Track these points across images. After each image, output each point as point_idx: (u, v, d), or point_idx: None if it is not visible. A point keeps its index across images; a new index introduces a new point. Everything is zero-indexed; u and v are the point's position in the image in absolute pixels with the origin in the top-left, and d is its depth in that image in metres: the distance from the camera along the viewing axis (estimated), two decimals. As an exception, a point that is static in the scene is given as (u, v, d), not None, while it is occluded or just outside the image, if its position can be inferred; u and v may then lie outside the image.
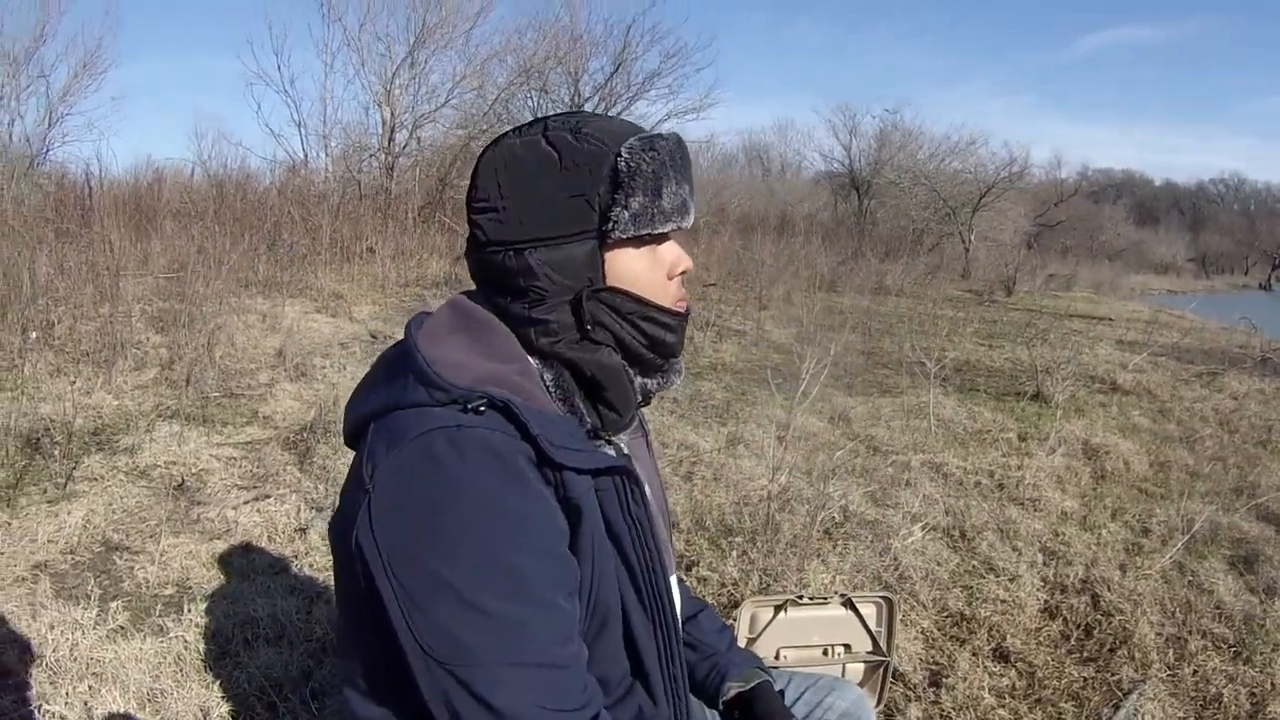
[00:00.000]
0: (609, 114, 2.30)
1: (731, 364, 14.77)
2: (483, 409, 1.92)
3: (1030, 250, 47.96)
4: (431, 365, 2.00)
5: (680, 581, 2.76)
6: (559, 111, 2.24)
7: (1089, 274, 47.15)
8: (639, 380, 2.25)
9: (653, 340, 2.19)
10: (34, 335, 10.55)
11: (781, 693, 2.73)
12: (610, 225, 2.08)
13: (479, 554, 1.84)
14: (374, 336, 13.87)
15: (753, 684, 2.62)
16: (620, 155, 2.07)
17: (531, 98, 33.87)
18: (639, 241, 2.15)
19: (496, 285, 2.15)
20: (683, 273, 2.26)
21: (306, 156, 28.57)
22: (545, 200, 2.07)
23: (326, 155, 28.51)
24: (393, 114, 28.48)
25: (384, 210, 23.25)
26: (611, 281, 2.13)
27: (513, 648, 1.84)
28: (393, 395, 2.04)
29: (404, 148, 28.90)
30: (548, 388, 2.12)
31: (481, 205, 2.14)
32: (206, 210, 19.02)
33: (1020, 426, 11.52)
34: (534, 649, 1.86)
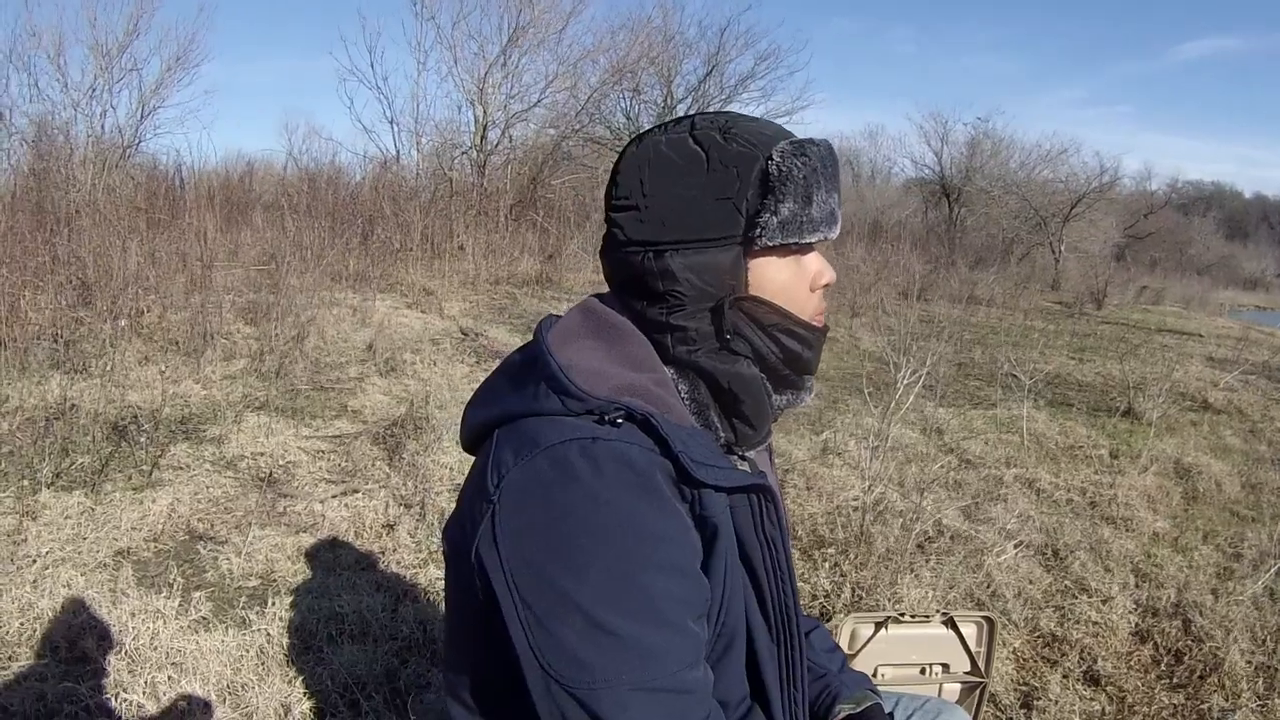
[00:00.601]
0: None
1: (824, 371, 14.51)
2: (620, 421, 1.85)
3: (1120, 262, 47.67)
4: (567, 372, 1.92)
5: None
6: (705, 111, 2.17)
7: (1178, 288, 46.72)
8: (772, 396, 2.14)
9: (789, 355, 2.09)
10: (124, 323, 10.60)
11: (891, 715, 2.64)
12: (757, 232, 1.99)
13: (611, 572, 1.76)
14: (464, 333, 13.88)
15: (863, 707, 2.52)
16: (771, 159, 1.98)
17: (624, 98, 33.96)
18: (784, 251, 2.05)
19: (634, 287, 2.06)
20: (825, 285, 2.15)
21: (398, 153, 28.71)
22: (690, 201, 1.99)
23: (418, 152, 28.61)
24: (485, 112, 28.52)
25: (476, 207, 23.26)
26: (753, 291, 2.03)
27: (640, 671, 1.75)
28: (523, 402, 1.96)
29: (496, 146, 28.93)
30: (684, 399, 2.04)
31: (622, 203, 2.04)
32: (299, 203, 19.13)
33: (1112, 443, 11.37)
34: (661, 673, 1.77)
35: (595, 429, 1.83)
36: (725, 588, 1.95)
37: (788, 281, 2.07)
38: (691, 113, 2.17)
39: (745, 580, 2.02)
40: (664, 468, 1.84)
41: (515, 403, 1.97)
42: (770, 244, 2.00)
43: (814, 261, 2.12)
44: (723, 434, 2.08)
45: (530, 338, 2.12)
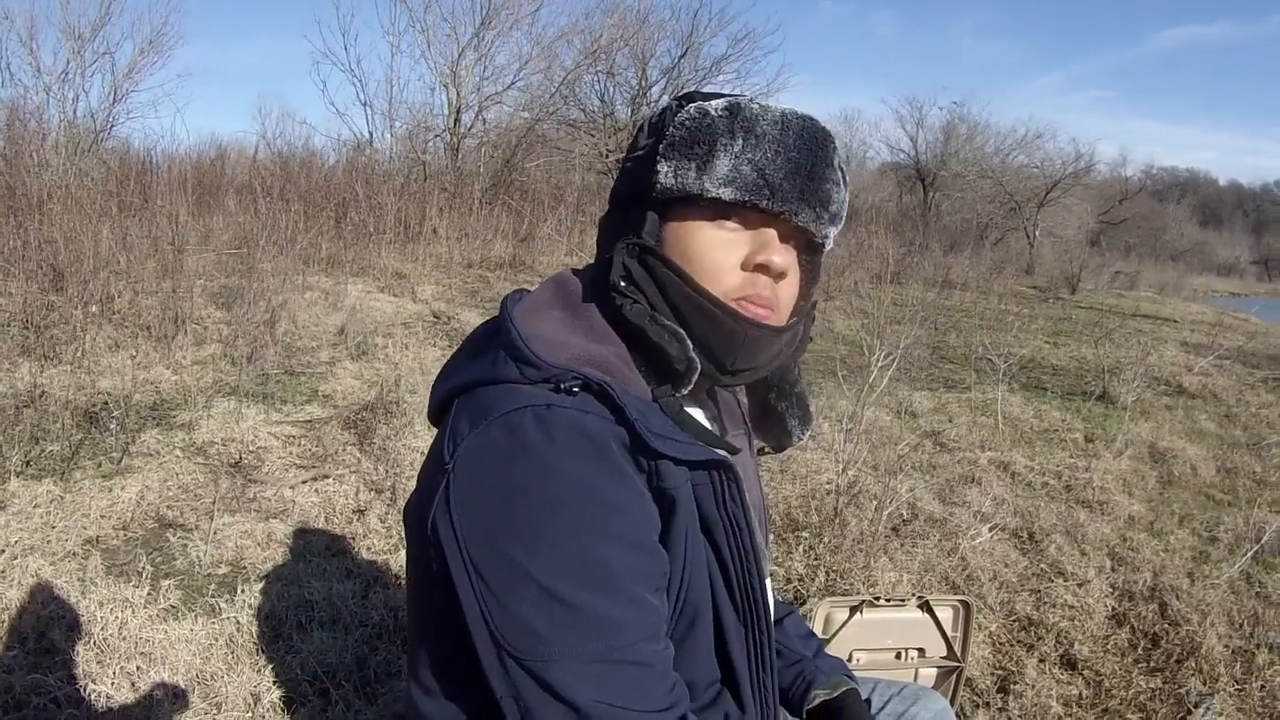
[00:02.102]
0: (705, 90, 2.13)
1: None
2: (576, 389, 1.82)
3: (1094, 247, 47.93)
4: (527, 341, 1.89)
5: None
6: (717, 93, 2.07)
7: (1152, 274, 47.00)
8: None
9: (699, 336, 1.98)
10: (94, 308, 10.55)
11: (867, 701, 2.62)
12: (655, 179, 1.97)
13: (565, 543, 1.73)
14: (436, 317, 13.85)
15: (839, 692, 2.50)
16: (677, 114, 2.00)
17: (598, 80, 34.02)
18: (699, 212, 1.98)
19: (604, 235, 2.12)
20: (760, 266, 1.99)
21: (372, 136, 28.73)
22: (631, 152, 2.06)
23: (392, 135, 28.69)
24: (459, 95, 28.55)
25: (449, 191, 23.25)
26: (667, 250, 1.99)
27: (595, 643, 1.73)
28: (481, 370, 1.93)
29: (470, 129, 28.97)
30: (643, 372, 1.98)
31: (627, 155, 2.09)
32: (271, 186, 19.10)
33: (1087, 427, 11.44)
34: (619, 645, 1.75)
35: (551, 396, 1.81)
36: (686, 562, 1.92)
37: (704, 244, 1.99)
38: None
39: (711, 558, 1.99)
40: (619, 436, 1.81)
41: (474, 370, 1.95)
42: (666, 189, 1.97)
43: (747, 232, 2.02)
44: (697, 363, 1.97)
45: None
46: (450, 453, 1.82)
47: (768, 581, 2.27)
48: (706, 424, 2.17)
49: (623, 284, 1.98)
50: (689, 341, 1.97)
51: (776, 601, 2.69)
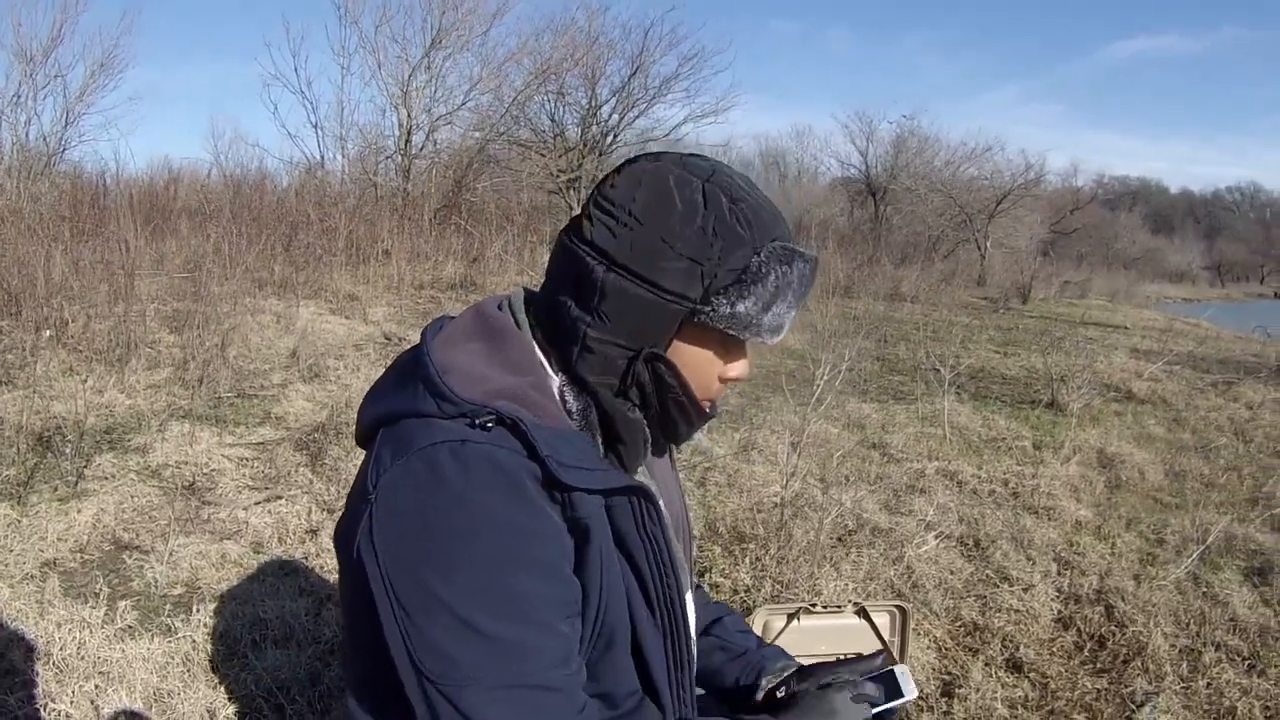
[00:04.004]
0: (743, 178, 2.10)
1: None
2: (490, 425, 1.89)
3: (1046, 258, 47.98)
4: (442, 375, 1.96)
5: (698, 588, 2.76)
6: (729, 167, 2.11)
7: (1104, 282, 47.10)
8: (648, 442, 2.18)
9: (666, 422, 2.14)
10: (48, 333, 10.56)
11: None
12: (707, 310, 2.00)
13: (477, 572, 1.82)
14: (388, 338, 13.90)
15: (787, 674, 2.57)
16: (758, 253, 2.01)
17: (548, 100, 33.98)
18: (720, 335, 2.07)
19: (570, 284, 2.05)
20: (735, 379, 2.18)
21: (323, 158, 28.71)
22: (668, 243, 1.98)
23: (343, 157, 28.69)
24: (409, 116, 28.54)
25: (400, 212, 23.23)
26: (672, 352, 2.06)
27: (507, 669, 1.82)
28: (403, 402, 2.00)
29: (420, 150, 28.97)
30: (567, 406, 2.07)
31: (607, 208, 2.03)
32: (222, 210, 19.08)
33: (1035, 435, 11.51)
34: (529, 671, 1.84)
35: (467, 432, 1.88)
36: (602, 585, 1.99)
37: (706, 362, 2.10)
38: (719, 160, 2.13)
39: (630, 576, 2.07)
40: (532, 470, 1.88)
41: (397, 402, 2.02)
42: (710, 325, 2.02)
43: (739, 356, 2.16)
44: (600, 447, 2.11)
45: None
46: (374, 483, 1.90)
47: (688, 595, 2.36)
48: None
49: (633, 394, 2.08)
50: (647, 433, 2.14)
51: (713, 604, 2.82)
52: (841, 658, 2.63)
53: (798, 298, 2.07)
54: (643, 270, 1.97)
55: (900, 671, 2.49)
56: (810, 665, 2.60)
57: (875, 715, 2.44)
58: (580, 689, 1.94)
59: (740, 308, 1.99)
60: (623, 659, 2.10)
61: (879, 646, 3.83)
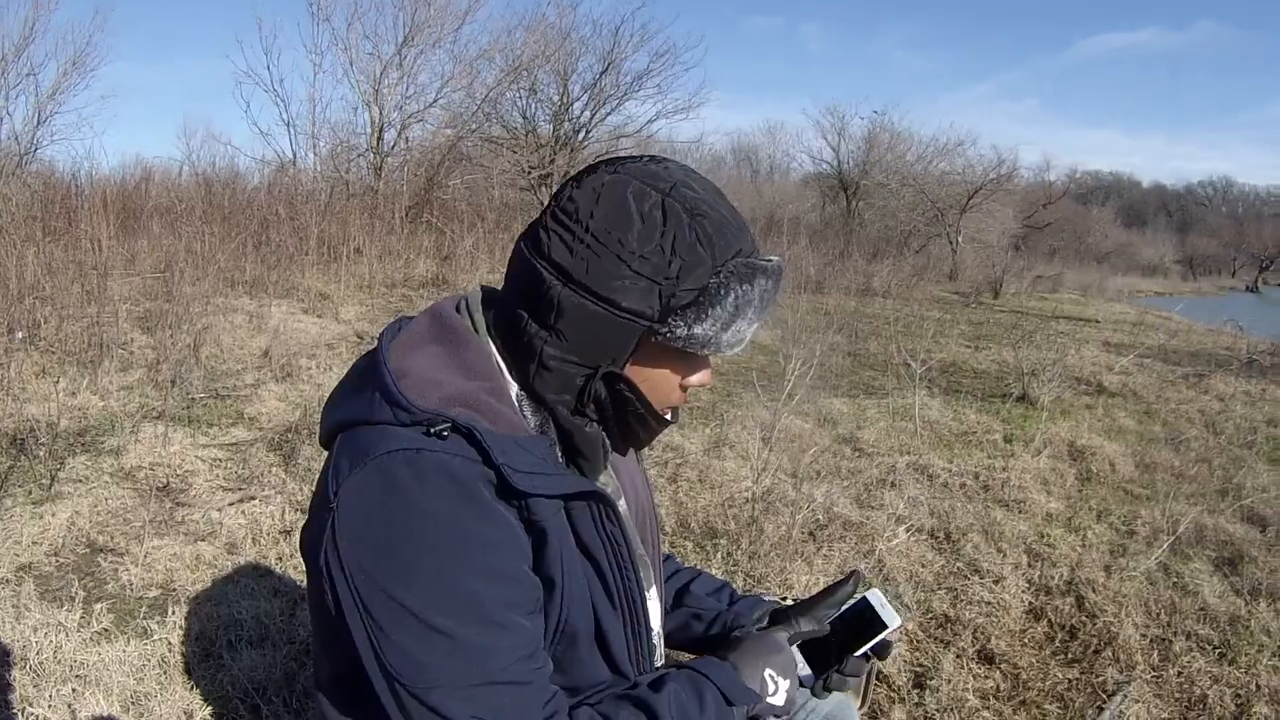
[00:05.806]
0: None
1: (717, 365, 14.37)
2: (445, 434, 1.91)
3: (1018, 252, 47.94)
4: (398, 381, 1.98)
5: (668, 558, 2.84)
6: (694, 173, 2.11)
7: (1076, 276, 47.10)
8: (607, 451, 2.22)
9: (626, 433, 2.17)
10: (20, 335, 10.53)
11: None
12: (665, 330, 2.01)
13: (434, 578, 1.86)
14: (360, 337, 13.90)
15: (766, 621, 2.63)
16: (718, 273, 2.00)
17: (520, 97, 34.00)
18: (681, 358, 2.10)
19: (527, 298, 2.05)
20: (699, 385, 2.22)
21: (295, 156, 28.67)
22: (622, 261, 1.97)
23: (315, 155, 28.63)
24: (381, 113, 28.53)
25: (371, 210, 23.19)
26: (632, 370, 2.08)
27: (473, 669, 1.86)
28: (360, 409, 2.02)
29: (392, 147, 28.97)
30: (524, 413, 2.09)
31: (563, 220, 2.01)
32: (194, 209, 19.01)
33: (1006, 428, 11.52)
34: (496, 667, 1.88)
35: (422, 440, 1.91)
36: (563, 587, 2.03)
37: (665, 376, 2.12)
38: (685, 167, 2.11)
39: (592, 576, 2.11)
40: (487, 477, 1.91)
41: (355, 409, 2.04)
42: (668, 345, 2.03)
43: (701, 367, 2.19)
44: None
45: None
46: (334, 491, 1.93)
47: (650, 590, 2.41)
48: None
49: (590, 410, 2.11)
50: (606, 443, 2.19)
51: (684, 569, 2.89)
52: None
53: (759, 313, 2.07)
54: (599, 289, 1.97)
55: (875, 598, 2.52)
56: (785, 607, 2.67)
57: (870, 647, 2.49)
58: (547, 681, 1.99)
59: (698, 329, 2.01)
60: (588, 653, 2.14)
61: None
